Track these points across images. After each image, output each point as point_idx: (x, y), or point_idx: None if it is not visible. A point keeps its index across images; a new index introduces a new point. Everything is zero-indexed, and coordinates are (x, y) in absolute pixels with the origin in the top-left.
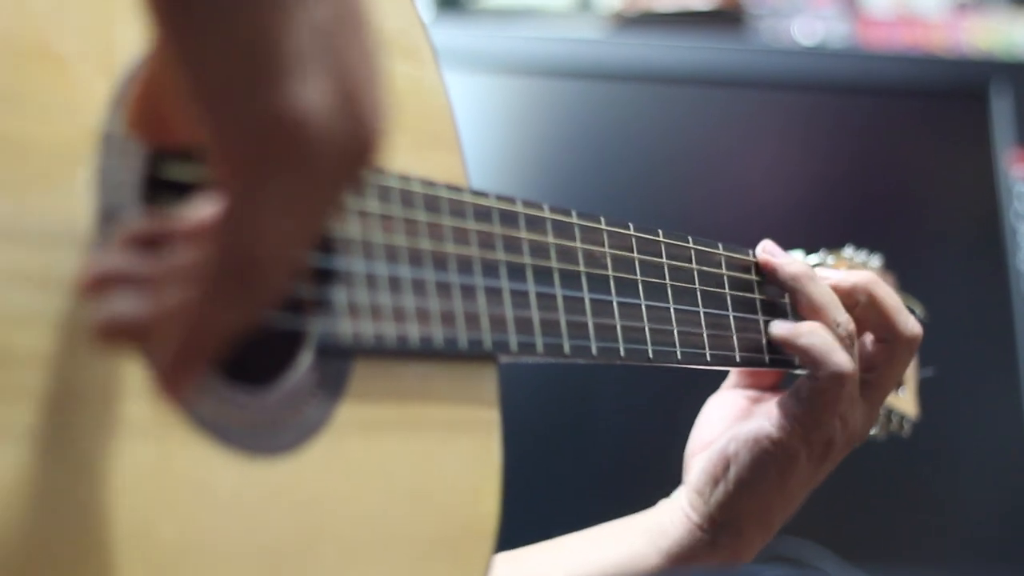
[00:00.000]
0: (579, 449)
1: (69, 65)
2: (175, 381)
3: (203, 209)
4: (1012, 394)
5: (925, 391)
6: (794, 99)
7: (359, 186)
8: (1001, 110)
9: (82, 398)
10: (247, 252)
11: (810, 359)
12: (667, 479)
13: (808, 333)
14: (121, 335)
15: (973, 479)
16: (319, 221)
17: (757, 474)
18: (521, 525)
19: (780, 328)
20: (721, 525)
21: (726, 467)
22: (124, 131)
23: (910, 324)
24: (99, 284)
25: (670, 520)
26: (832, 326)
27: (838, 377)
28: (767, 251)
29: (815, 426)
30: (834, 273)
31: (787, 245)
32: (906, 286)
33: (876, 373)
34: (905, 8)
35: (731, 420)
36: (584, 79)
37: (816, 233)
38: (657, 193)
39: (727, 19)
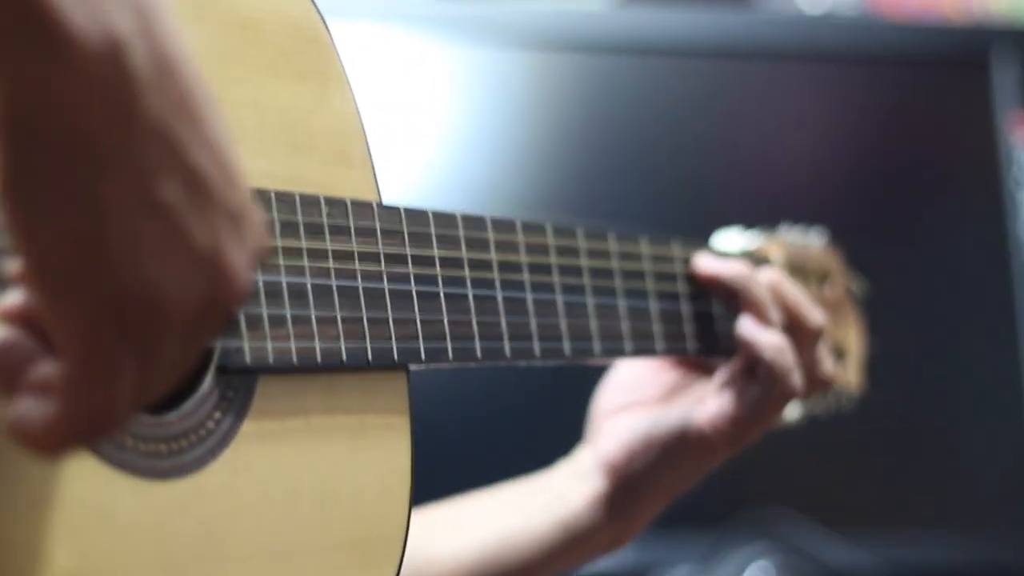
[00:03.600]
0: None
1: None
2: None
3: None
4: (1011, 363)
5: (923, 357)
6: (800, 68)
7: (220, 330)
8: (1002, 76)
9: None
10: (95, 405)
11: (771, 375)
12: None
13: (774, 349)
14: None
15: (968, 450)
16: (168, 382)
17: (677, 459)
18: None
19: (748, 329)
20: (626, 499)
21: (647, 448)
22: None
23: (812, 317)
24: None
25: (570, 489)
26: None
27: (788, 396)
28: (702, 263)
29: (748, 431)
30: (734, 270)
31: (790, 211)
32: (908, 253)
33: None
34: None
35: (651, 388)
36: (591, 52)
37: (819, 201)
38: (665, 166)
39: None
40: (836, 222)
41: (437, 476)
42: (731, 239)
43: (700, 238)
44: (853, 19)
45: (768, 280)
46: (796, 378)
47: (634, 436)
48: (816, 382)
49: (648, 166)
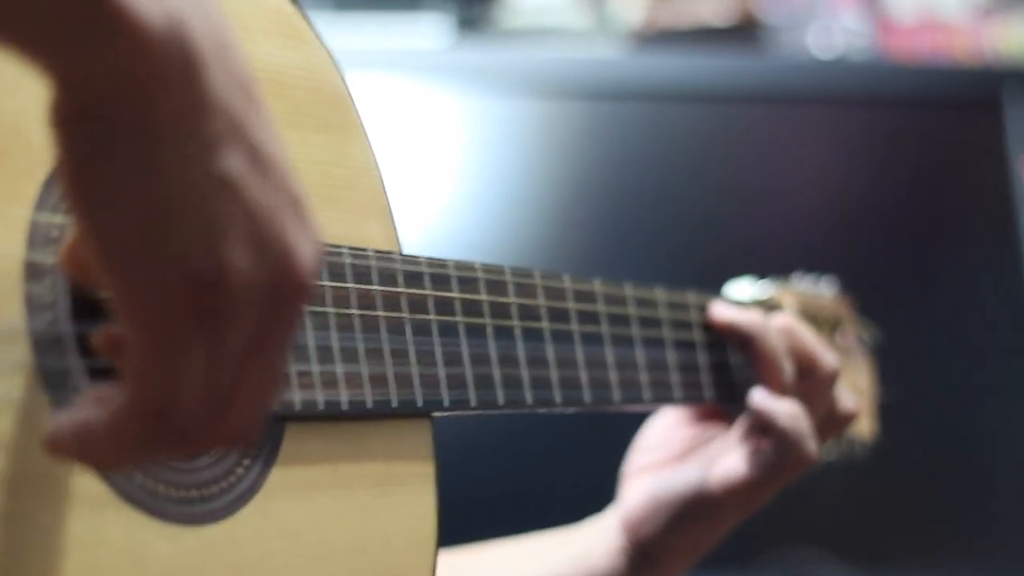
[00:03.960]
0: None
1: (3, 158)
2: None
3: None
4: None
5: (941, 401)
6: (812, 112)
7: (292, 328)
8: (1015, 117)
9: (35, 478)
10: (159, 404)
11: (786, 442)
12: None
13: (789, 416)
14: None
15: (991, 491)
16: (251, 372)
17: (688, 521)
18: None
19: (761, 400)
20: (644, 558)
21: (657, 511)
22: (52, 227)
23: (826, 360)
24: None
25: (596, 544)
26: (783, 377)
27: (804, 463)
28: (718, 311)
29: (760, 493)
30: (749, 318)
31: (804, 257)
32: (921, 297)
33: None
34: (928, 13)
35: (672, 446)
36: (604, 99)
37: (834, 245)
38: (680, 211)
39: (745, 34)
40: (848, 267)
41: (461, 524)
42: (744, 288)
43: (713, 288)
44: (864, 63)
45: (782, 325)
46: (811, 445)
47: (647, 500)
48: (837, 421)
49: (661, 212)
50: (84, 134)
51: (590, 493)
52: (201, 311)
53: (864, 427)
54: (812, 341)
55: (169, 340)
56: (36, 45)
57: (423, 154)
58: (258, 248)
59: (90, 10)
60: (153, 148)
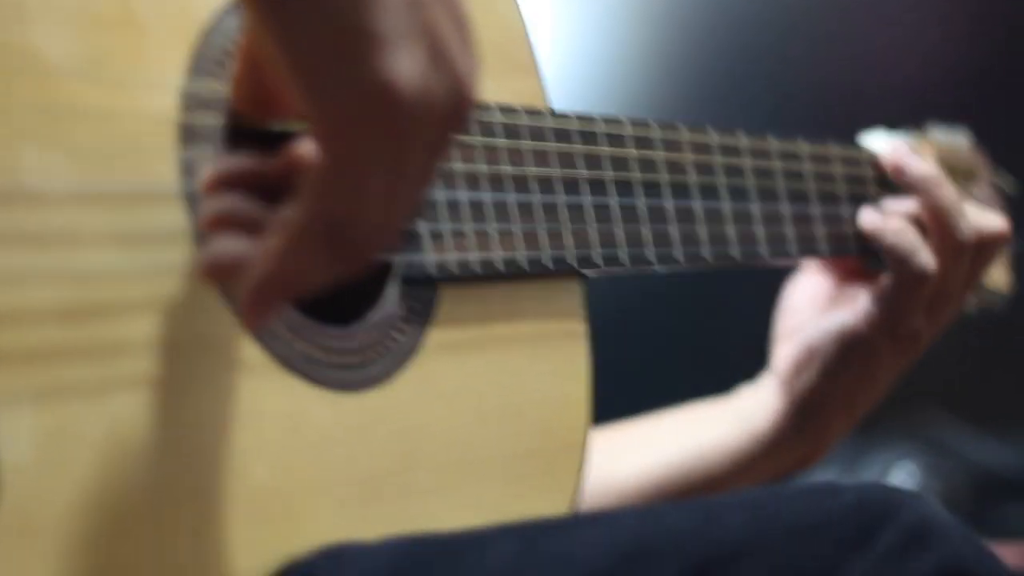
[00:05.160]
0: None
1: (148, 30)
2: (253, 307)
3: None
4: None
5: None
6: None
7: (454, 141)
8: None
9: (198, 345)
10: (342, 209)
11: (895, 257)
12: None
13: (895, 232)
14: (221, 273)
15: None
16: (418, 186)
17: (841, 366)
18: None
19: (869, 220)
20: (806, 413)
21: (811, 358)
22: (206, 90)
23: (964, 232)
24: (217, 186)
25: (756, 406)
26: (954, 233)
27: (920, 277)
28: (896, 152)
29: (899, 322)
30: (932, 171)
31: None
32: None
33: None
34: None
35: (816, 306)
36: None
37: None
38: (794, 64)
39: None
40: (973, 116)
41: (614, 391)
42: (880, 140)
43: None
44: None
45: (921, 181)
46: (924, 257)
47: (799, 351)
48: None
49: (777, 63)
50: None
51: (739, 361)
52: (387, 121)
53: (1001, 278)
54: (951, 206)
55: (358, 150)
56: None
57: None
58: (436, 63)
59: None
60: None
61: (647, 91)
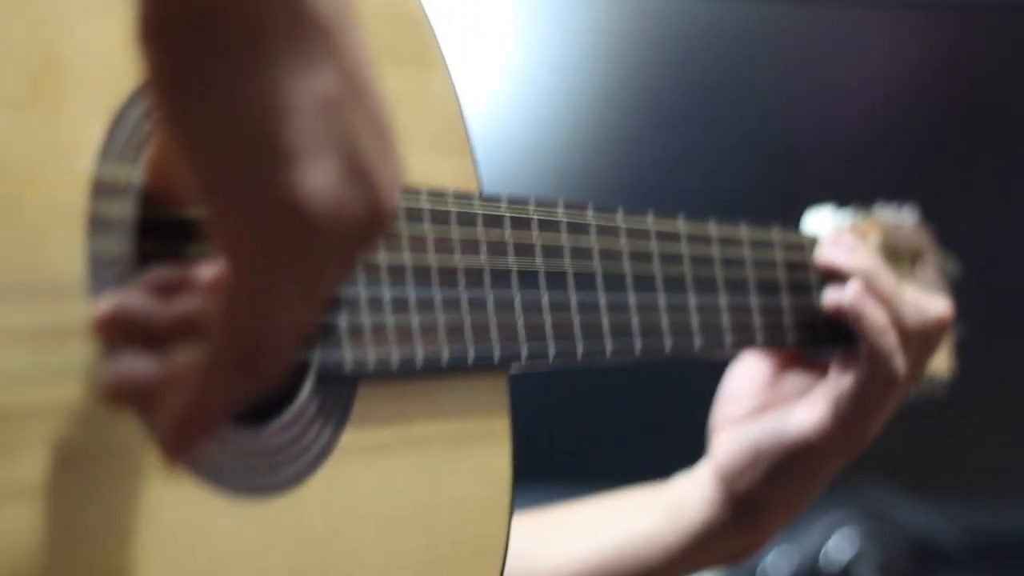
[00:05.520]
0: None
1: (59, 111)
2: (176, 446)
3: (209, 268)
4: None
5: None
6: (873, 18)
7: (372, 252)
8: None
9: (99, 450)
10: (254, 333)
11: (872, 357)
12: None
13: (877, 322)
14: (127, 397)
15: None
16: (329, 294)
17: (786, 471)
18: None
19: (854, 295)
20: (744, 510)
21: (755, 461)
22: (118, 177)
23: (907, 321)
24: (109, 326)
25: (691, 498)
26: (898, 323)
27: (893, 382)
28: (827, 248)
29: (857, 428)
30: (865, 264)
31: (876, 178)
32: (995, 207)
33: None
34: None
35: (756, 392)
36: None
37: (903, 165)
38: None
39: None
40: (922, 191)
41: (537, 481)
42: (825, 219)
43: (787, 214)
44: None
45: (861, 269)
46: (899, 361)
47: (742, 448)
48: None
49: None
50: (177, 46)
51: (673, 448)
52: (297, 239)
53: (943, 364)
54: (891, 293)
55: (267, 270)
56: None
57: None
58: (351, 174)
59: None
60: (254, 62)
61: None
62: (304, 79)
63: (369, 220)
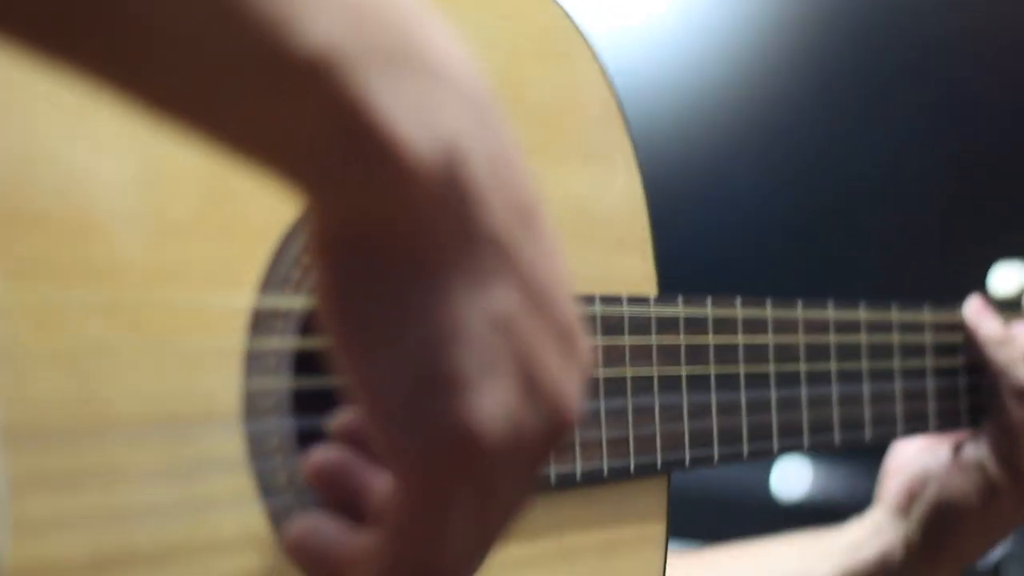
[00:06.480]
0: None
1: (230, 234)
2: None
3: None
4: None
5: None
6: None
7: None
8: None
9: None
10: (422, 561)
11: (991, 368)
12: None
13: (995, 342)
14: (302, 557)
15: None
16: (505, 524)
17: (957, 495)
18: None
19: (970, 312)
20: (918, 545)
21: (924, 484)
22: (279, 307)
23: None
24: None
25: (866, 537)
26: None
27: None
28: (972, 313)
29: (1013, 455)
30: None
31: None
32: None
33: None
34: None
35: (927, 446)
36: None
37: None
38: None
39: None
40: None
41: None
42: (1009, 277)
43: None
44: None
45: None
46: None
47: (912, 475)
48: None
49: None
50: (347, 264)
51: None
52: (469, 466)
53: None
54: None
55: (437, 496)
56: (299, 172)
57: None
58: (530, 390)
59: (358, 139)
60: (423, 290)
61: None
62: (477, 300)
63: (548, 434)
